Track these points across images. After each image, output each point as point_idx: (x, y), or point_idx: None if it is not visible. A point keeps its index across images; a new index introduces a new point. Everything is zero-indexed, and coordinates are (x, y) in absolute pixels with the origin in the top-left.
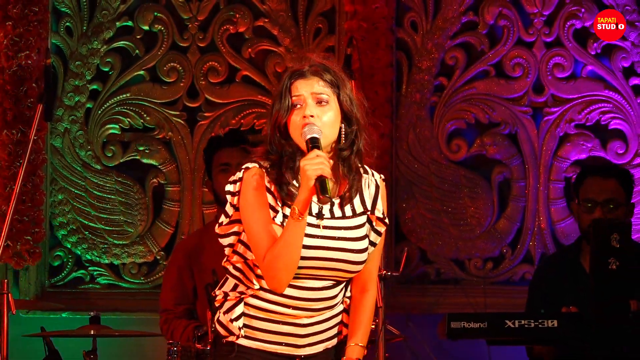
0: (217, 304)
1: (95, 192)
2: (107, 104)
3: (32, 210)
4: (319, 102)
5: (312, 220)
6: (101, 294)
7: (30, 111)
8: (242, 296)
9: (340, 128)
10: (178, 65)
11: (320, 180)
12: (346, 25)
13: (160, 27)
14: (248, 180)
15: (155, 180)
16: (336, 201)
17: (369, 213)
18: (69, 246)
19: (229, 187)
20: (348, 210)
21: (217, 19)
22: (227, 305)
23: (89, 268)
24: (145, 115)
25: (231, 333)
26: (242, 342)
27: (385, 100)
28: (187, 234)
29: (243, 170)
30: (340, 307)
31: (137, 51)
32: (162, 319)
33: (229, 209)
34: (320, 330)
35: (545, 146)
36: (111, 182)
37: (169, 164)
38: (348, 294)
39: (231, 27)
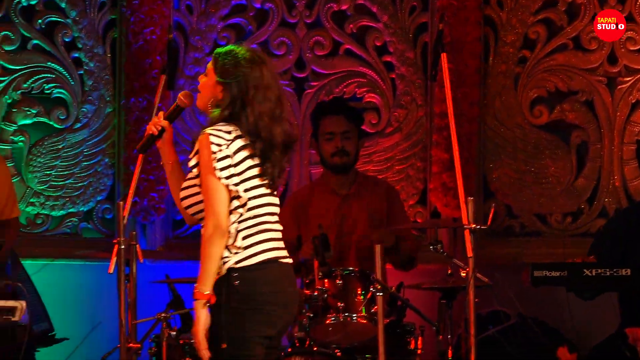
0: None
1: None
2: None
3: (157, 170)
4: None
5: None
6: None
7: (155, 81)
8: None
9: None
10: (287, 40)
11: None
12: (438, 3)
13: (271, 5)
14: None
15: None
16: None
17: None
18: None
19: None
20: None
21: None
22: None
23: None
24: None
25: None
26: None
27: (474, 71)
28: None
29: None
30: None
31: (250, 27)
32: None
33: None
34: None
35: (618, 112)
36: None
37: None
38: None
39: (335, 5)
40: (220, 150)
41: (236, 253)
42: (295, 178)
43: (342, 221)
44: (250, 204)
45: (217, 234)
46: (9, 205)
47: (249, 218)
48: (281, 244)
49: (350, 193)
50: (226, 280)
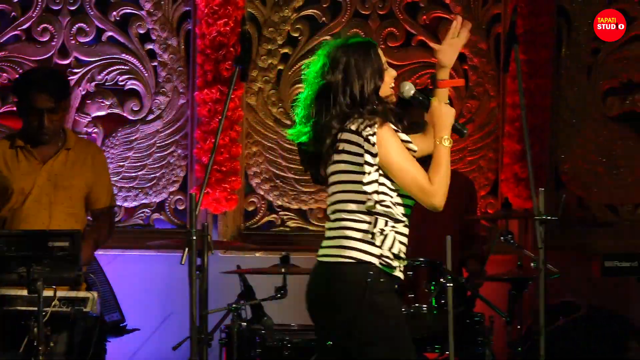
0: (376, 242)
1: (285, 145)
2: (297, 65)
3: (229, 162)
4: None
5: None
6: (290, 236)
7: (228, 73)
8: (394, 229)
9: None
10: (360, 31)
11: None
12: None
13: None
14: (385, 134)
15: None
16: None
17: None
18: (262, 193)
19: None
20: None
21: None
22: (388, 241)
23: (280, 213)
24: None
25: (392, 267)
26: (398, 273)
27: (546, 62)
28: None
29: (377, 127)
30: None
31: (323, 19)
32: None
33: (371, 160)
34: None
35: None
36: None
37: None
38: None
39: None
40: None
41: None
42: None
43: (422, 214)
44: None
45: None
46: (111, 194)
47: None
48: None
49: None
50: None
